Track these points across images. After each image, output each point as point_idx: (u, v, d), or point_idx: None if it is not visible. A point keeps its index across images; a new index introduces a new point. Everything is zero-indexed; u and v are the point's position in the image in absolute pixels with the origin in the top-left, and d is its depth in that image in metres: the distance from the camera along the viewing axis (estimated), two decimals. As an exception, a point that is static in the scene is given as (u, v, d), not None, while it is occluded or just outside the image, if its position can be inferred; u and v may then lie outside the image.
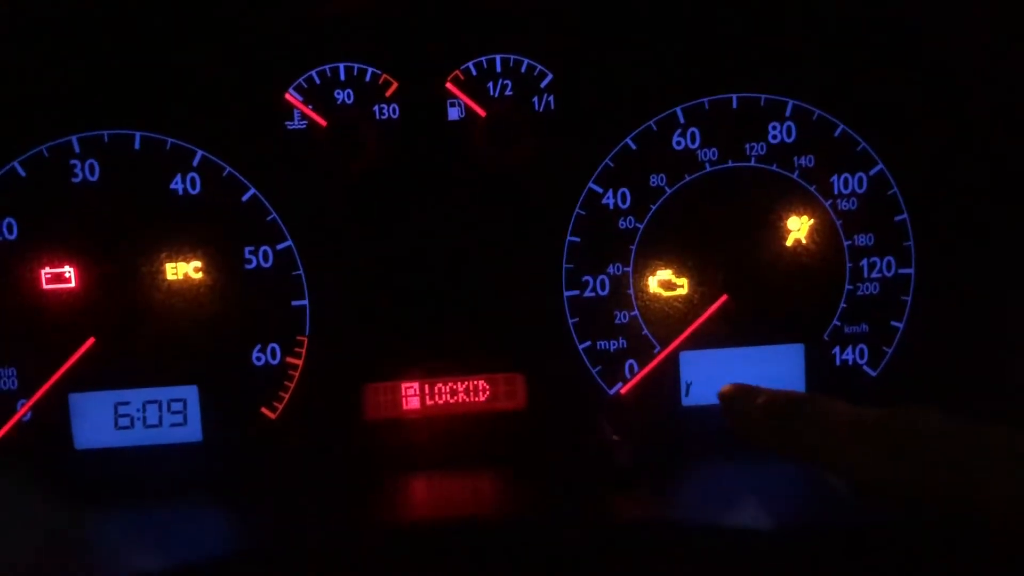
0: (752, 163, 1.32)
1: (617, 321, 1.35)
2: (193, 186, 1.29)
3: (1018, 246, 1.32)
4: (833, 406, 0.93)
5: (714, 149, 1.32)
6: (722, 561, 1.09)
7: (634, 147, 1.32)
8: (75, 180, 1.28)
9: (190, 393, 1.32)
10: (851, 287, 1.35)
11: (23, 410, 1.30)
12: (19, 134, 1.27)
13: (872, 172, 1.33)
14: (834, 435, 0.91)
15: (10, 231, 1.28)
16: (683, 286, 1.34)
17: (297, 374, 1.33)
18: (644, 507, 1.26)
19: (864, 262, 1.34)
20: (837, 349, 1.36)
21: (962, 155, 1.31)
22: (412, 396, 1.34)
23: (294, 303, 1.32)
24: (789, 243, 1.33)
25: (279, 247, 1.31)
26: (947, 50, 1.29)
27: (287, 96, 1.29)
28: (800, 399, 0.97)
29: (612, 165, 1.32)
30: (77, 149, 1.28)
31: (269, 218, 1.30)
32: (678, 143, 1.32)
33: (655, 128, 1.32)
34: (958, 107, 1.31)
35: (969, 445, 0.83)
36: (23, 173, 1.28)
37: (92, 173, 1.28)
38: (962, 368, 1.33)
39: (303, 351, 1.32)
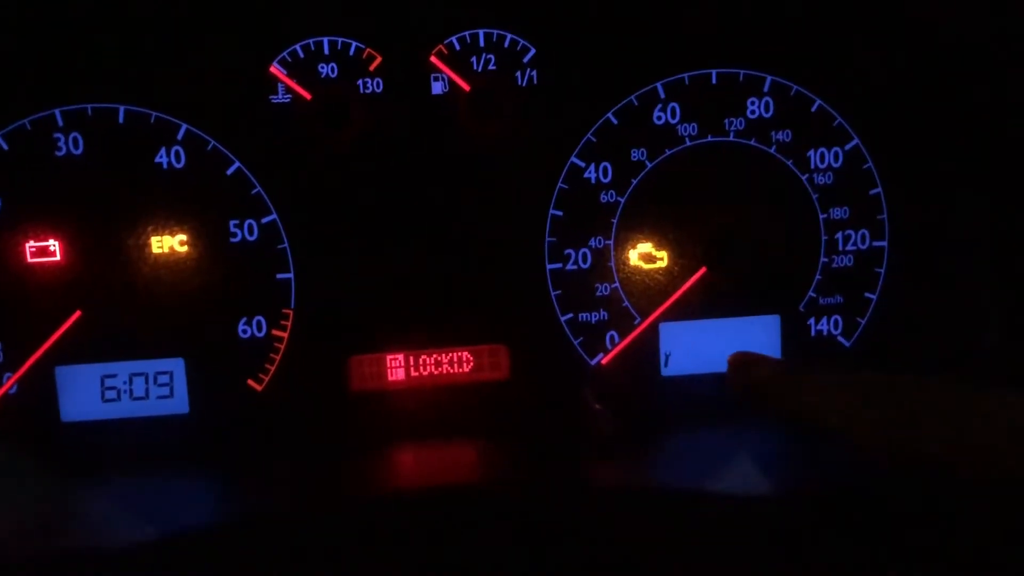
0: (731, 138, 1.34)
1: (598, 293, 1.37)
2: (178, 160, 1.30)
3: (988, 219, 1.35)
4: (836, 373, 0.97)
5: (694, 124, 1.34)
6: (702, 526, 1.11)
7: (616, 122, 1.34)
8: (59, 154, 1.28)
9: (176, 365, 1.33)
10: (826, 259, 1.38)
11: (9, 383, 1.31)
12: (1, 107, 1.27)
13: (848, 147, 1.36)
14: (839, 399, 0.95)
15: (-6, 204, 1.28)
16: (663, 259, 1.36)
17: (283, 346, 1.34)
18: (625, 474, 1.29)
19: (839, 235, 1.37)
20: (812, 320, 1.39)
21: (936, 130, 1.34)
22: (397, 368, 1.36)
23: (279, 276, 1.33)
24: (764, 217, 1.35)
25: (264, 220, 1.32)
26: (923, 25, 1.31)
27: (271, 69, 1.29)
28: (805, 366, 1.01)
29: (594, 140, 1.34)
30: (61, 122, 1.28)
31: (254, 191, 1.31)
32: (659, 118, 1.34)
33: (636, 103, 1.34)
34: (932, 83, 1.33)
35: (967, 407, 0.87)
36: (6, 147, 1.27)
37: (76, 147, 1.28)
38: (933, 338, 1.36)
39: (288, 324, 1.34)
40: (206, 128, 1.30)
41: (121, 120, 1.28)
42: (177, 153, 1.30)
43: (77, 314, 1.29)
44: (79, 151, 1.28)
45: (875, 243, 1.38)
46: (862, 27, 1.34)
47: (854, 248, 1.37)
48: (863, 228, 1.37)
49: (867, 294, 1.39)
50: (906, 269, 1.38)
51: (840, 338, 1.40)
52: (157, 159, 1.29)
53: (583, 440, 1.31)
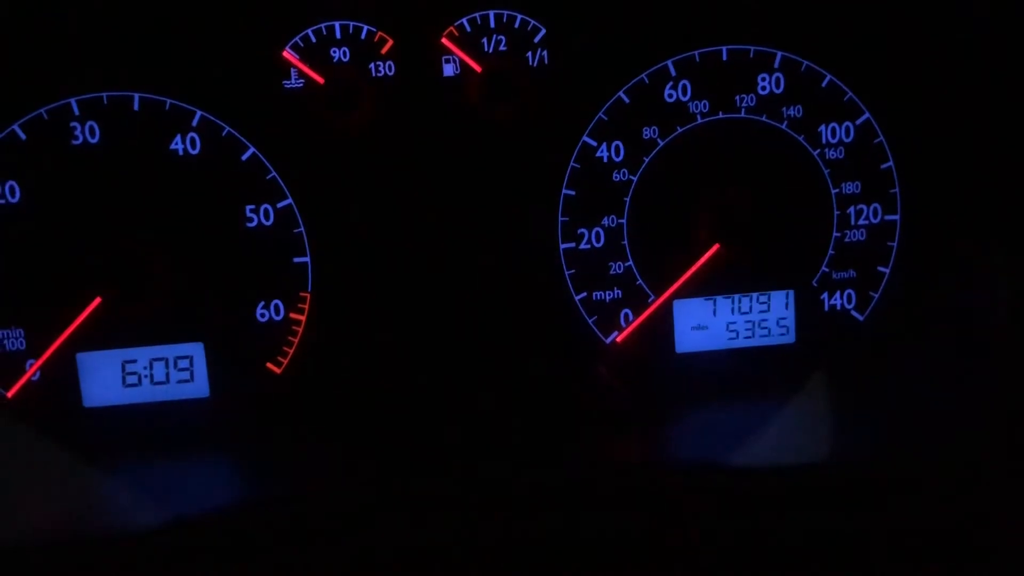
0: (742, 114, 1.35)
1: (612, 272, 1.38)
2: (193, 146, 1.31)
3: (1000, 191, 1.35)
4: None
5: (705, 101, 1.34)
6: (718, 499, 1.13)
7: (627, 100, 1.34)
8: (75, 142, 1.29)
9: (196, 350, 1.35)
10: (839, 234, 1.38)
11: (32, 370, 1.32)
12: (18, 97, 1.28)
13: (859, 122, 1.36)
14: None
15: (12, 194, 1.29)
16: (676, 236, 1.37)
17: (301, 329, 1.35)
18: (640, 449, 1.31)
19: (851, 209, 1.37)
20: (826, 295, 1.40)
21: (946, 103, 1.34)
22: (413, 348, 1.38)
23: (296, 260, 1.34)
24: (776, 193, 1.36)
25: (279, 205, 1.33)
26: (932, 2, 1.31)
27: (284, 54, 1.30)
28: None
29: (605, 118, 1.34)
30: (76, 111, 1.29)
31: (269, 176, 1.32)
32: (670, 96, 1.34)
33: (647, 81, 1.34)
34: (942, 57, 1.33)
35: None
36: (23, 136, 1.29)
37: (92, 135, 1.29)
38: (947, 311, 1.37)
39: (306, 307, 1.35)
40: (221, 114, 1.31)
41: (136, 108, 1.29)
42: (192, 140, 1.31)
43: (97, 300, 1.29)
44: (95, 139, 1.29)
45: (887, 217, 1.38)
46: (870, 2, 1.33)
47: (866, 222, 1.38)
48: (875, 202, 1.37)
49: (880, 268, 1.39)
50: (918, 243, 1.38)
51: (854, 312, 1.40)
52: (172, 146, 1.30)
53: (599, 416, 1.32)
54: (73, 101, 1.29)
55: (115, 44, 1.29)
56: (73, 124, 1.29)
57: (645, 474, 1.18)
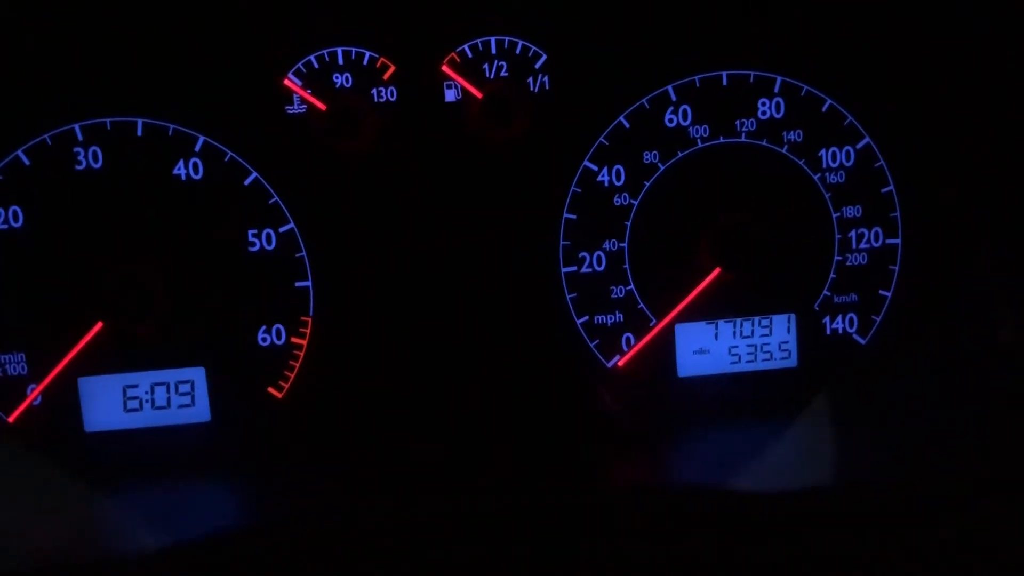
0: (742, 139, 1.35)
1: (613, 296, 1.38)
2: (196, 171, 1.31)
3: (1000, 215, 1.35)
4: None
5: (705, 126, 1.35)
6: (719, 523, 1.12)
7: (627, 125, 1.35)
8: (79, 167, 1.30)
9: (197, 375, 1.35)
10: (840, 258, 1.38)
11: (33, 395, 1.32)
12: (22, 122, 1.29)
13: (859, 146, 1.36)
14: None
15: (16, 219, 1.30)
16: (677, 260, 1.37)
17: (302, 354, 1.35)
18: (642, 472, 1.30)
19: (852, 233, 1.38)
20: (827, 319, 1.40)
21: (947, 128, 1.35)
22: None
23: (298, 284, 1.34)
24: (777, 216, 1.36)
25: (282, 230, 1.33)
26: (933, 24, 1.32)
27: (286, 81, 1.31)
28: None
29: (606, 143, 1.35)
30: (80, 136, 1.29)
31: (271, 201, 1.32)
32: (670, 120, 1.35)
33: (648, 106, 1.35)
34: (943, 81, 1.34)
35: None
36: (27, 161, 1.29)
37: (95, 160, 1.30)
38: (949, 334, 1.36)
39: (307, 331, 1.35)
40: (223, 140, 1.31)
41: (139, 133, 1.30)
42: (195, 165, 1.31)
43: (99, 325, 1.30)
44: (99, 165, 1.30)
45: (888, 241, 1.38)
46: (871, 26, 1.34)
47: (867, 246, 1.38)
48: (876, 226, 1.38)
49: (882, 292, 1.39)
50: (920, 266, 1.38)
51: (856, 336, 1.40)
52: (175, 171, 1.31)
53: (600, 440, 1.32)
54: (77, 126, 1.29)
55: (119, 70, 1.30)
56: (76, 149, 1.29)
57: (647, 498, 1.17)
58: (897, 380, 1.37)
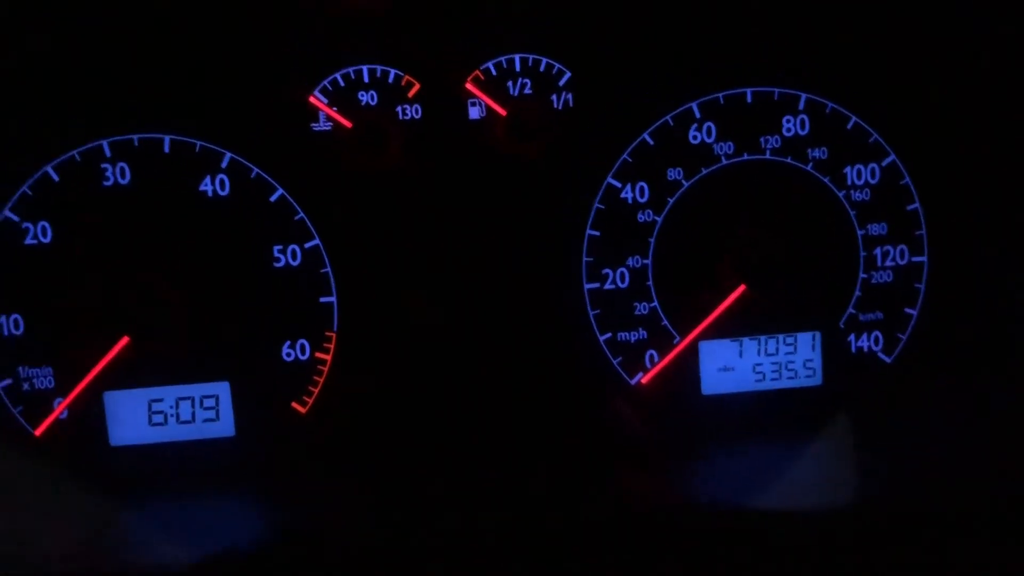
0: (767, 156, 1.35)
1: (637, 312, 1.38)
2: (222, 187, 1.32)
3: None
4: None
5: (730, 143, 1.35)
6: (743, 542, 1.12)
7: (651, 142, 1.35)
8: (106, 183, 1.31)
9: (222, 389, 1.35)
10: (865, 275, 1.37)
11: (60, 408, 1.33)
12: (51, 139, 1.30)
13: (884, 163, 1.36)
14: None
15: (44, 234, 1.31)
16: (701, 277, 1.36)
17: (326, 369, 1.36)
18: (666, 491, 1.29)
19: (878, 251, 1.37)
20: (852, 336, 1.39)
21: (973, 144, 1.34)
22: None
23: (322, 300, 1.35)
24: (801, 234, 1.35)
25: (307, 245, 1.34)
26: (959, 42, 1.32)
27: (312, 99, 1.32)
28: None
29: (630, 160, 1.35)
30: (108, 153, 1.31)
31: (297, 217, 1.33)
32: (694, 137, 1.35)
33: (671, 123, 1.35)
34: (969, 97, 1.33)
35: None
36: (56, 177, 1.31)
37: (123, 176, 1.31)
38: (975, 353, 1.35)
39: (332, 347, 1.35)
40: (250, 156, 1.32)
41: (166, 150, 1.31)
42: (222, 181, 1.32)
43: (125, 340, 1.31)
44: (126, 181, 1.31)
45: (914, 258, 1.37)
46: (896, 43, 1.34)
47: (893, 264, 1.37)
48: (902, 244, 1.37)
49: (907, 310, 1.38)
50: (946, 284, 1.37)
51: (881, 354, 1.39)
52: (202, 187, 1.32)
53: (623, 458, 1.31)
54: (105, 143, 1.31)
55: (146, 87, 1.31)
56: (104, 165, 1.31)
57: (670, 516, 1.17)
58: (923, 399, 1.36)
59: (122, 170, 1.31)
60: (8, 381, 1.33)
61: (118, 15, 1.26)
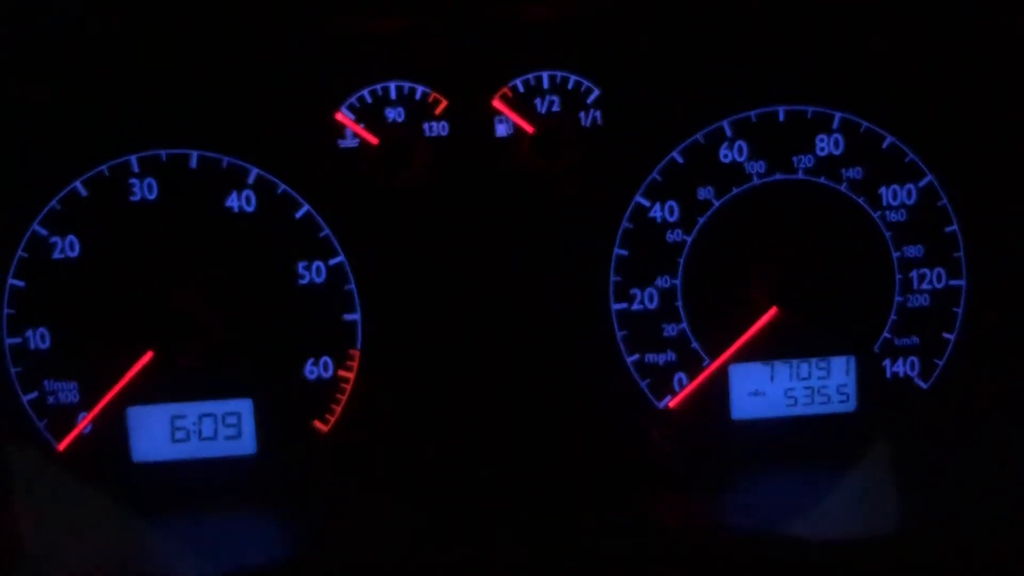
0: (800, 176, 1.33)
1: (665, 334, 1.35)
2: (248, 203, 1.32)
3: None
4: None
5: (762, 162, 1.33)
6: (771, 571, 1.09)
7: (681, 161, 1.33)
8: (134, 199, 1.31)
9: (245, 406, 1.35)
10: (901, 299, 1.34)
11: (83, 423, 1.33)
12: (80, 154, 1.31)
13: (921, 184, 1.33)
14: None
15: (72, 248, 1.32)
16: (732, 298, 1.34)
17: (349, 387, 1.35)
18: (695, 516, 1.27)
19: (914, 273, 1.34)
20: (888, 361, 1.35)
21: (1012, 164, 1.31)
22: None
23: (346, 317, 1.34)
24: (835, 256, 1.32)
25: (332, 262, 1.33)
26: (997, 59, 1.29)
27: (339, 115, 1.32)
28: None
29: (659, 179, 1.33)
30: (136, 168, 1.31)
31: (323, 234, 1.33)
32: (725, 156, 1.33)
33: (702, 141, 1.33)
34: (1008, 117, 1.30)
35: None
36: (84, 192, 1.31)
37: (150, 191, 1.32)
38: (1015, 380, 1.31)
39: (355, 364, 1.34)
40: (276, 172, 1.32)
41: (193, 165, 1.32)
42: (248, 197, 1.32)
43: (149, 355, 1.31)
44: (153, 196, 1.32)
45: (952, 282, 1.34)
46: (934, 62, 1.31)
47: (930, 287, 1.34)
48: (939, 266, 1.34)
49: (945, 334, 1.35)
50: (985, 308, 1.34)
51: (918, 380, 1.36)
52: (228, 203, 1.32)
53: (652, 483, 1.29)
54: (133, 158, 1.31)
55: (174, 103, 1.32)
56: (132, 180, 1.31)
57: (697, 543, 1.15)
58: (960, 426, 1.32)
59: (149, 185, 1.32)
60: (34, 394, 1.33)
61: (147, 32, 1.27)
